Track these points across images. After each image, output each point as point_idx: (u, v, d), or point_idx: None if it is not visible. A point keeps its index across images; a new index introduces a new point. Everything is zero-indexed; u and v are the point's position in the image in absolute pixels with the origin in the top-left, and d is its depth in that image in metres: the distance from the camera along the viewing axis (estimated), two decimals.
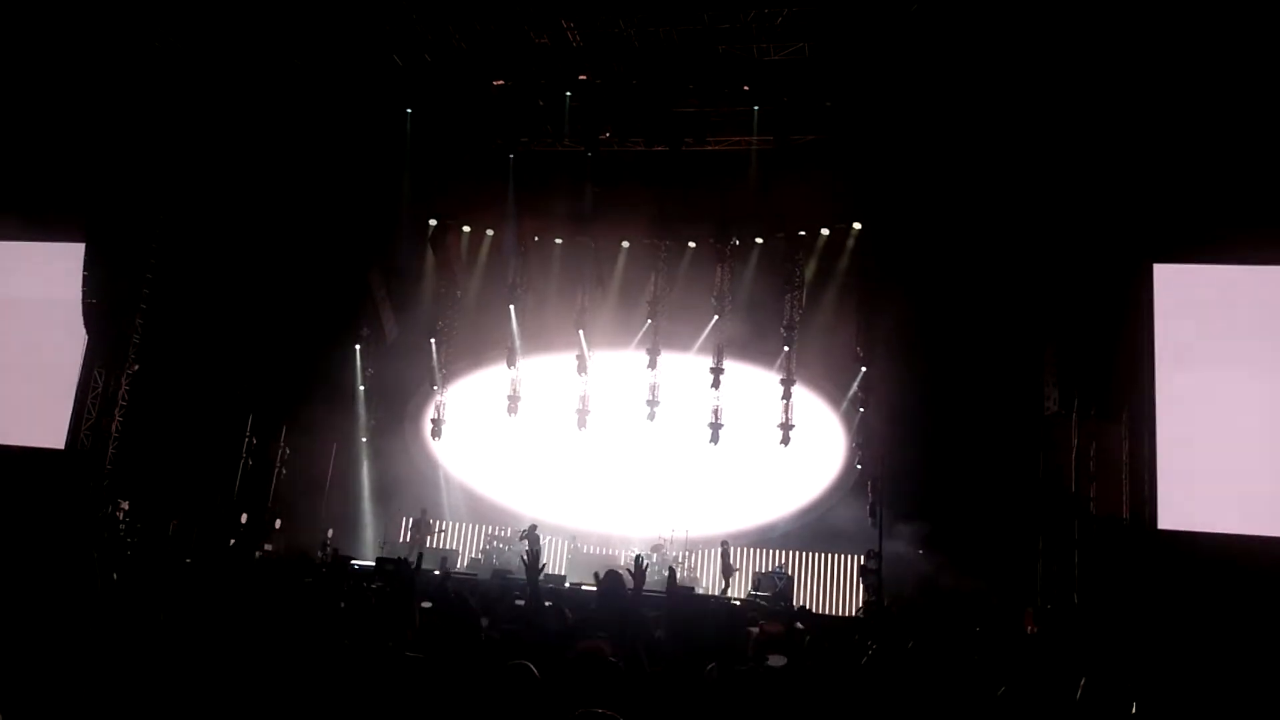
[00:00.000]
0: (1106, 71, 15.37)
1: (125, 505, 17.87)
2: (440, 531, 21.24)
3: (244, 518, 18.88)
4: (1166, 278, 17.48)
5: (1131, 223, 17.02)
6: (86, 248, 18.63)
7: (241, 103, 18.41)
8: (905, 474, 18.30)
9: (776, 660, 5.64)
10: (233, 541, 17.89)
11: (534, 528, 18.97)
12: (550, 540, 20.19)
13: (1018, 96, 16.12)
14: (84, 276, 18.49)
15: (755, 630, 7.67)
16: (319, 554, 18.47)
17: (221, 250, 19.45)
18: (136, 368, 18.72)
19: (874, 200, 18.78)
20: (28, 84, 17.73)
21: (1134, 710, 4.69)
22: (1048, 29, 14.80)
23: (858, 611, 18.18)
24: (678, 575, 18.81)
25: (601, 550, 20.00)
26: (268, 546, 18.57)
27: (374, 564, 15.83)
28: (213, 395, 19.37)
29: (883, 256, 19.14)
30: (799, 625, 9.81)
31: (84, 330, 18.71)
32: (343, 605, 5.47)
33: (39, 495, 17.30)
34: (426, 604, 5.13)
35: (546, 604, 5.96)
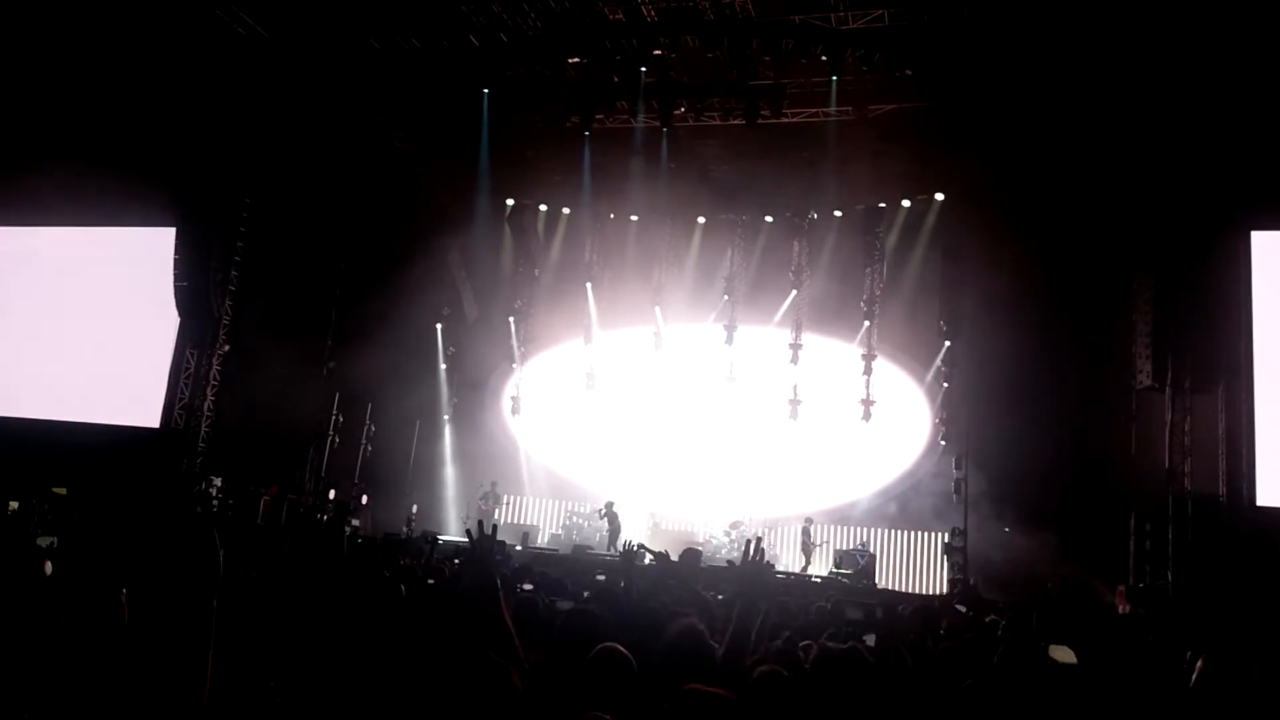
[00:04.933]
0: (1200, 35, 14.74)
1: (218, 482, 18.37)
2: (506, 504, 21.46)
3: (332, 494, 19.29)
4: (1265, 245, 16.80)
5: (1228, 188, 16.35)
6: (177, 232, 19.09)
7: (324, 87, 18.69)
8: (991, 450, 17.96)
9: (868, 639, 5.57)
10: (322, 517, 18.29)
11: (611, 504, 19.06)
12: (629, 517, 20.25)
13: (1108, 58, 15.57)
14: (175, 260, 18.96)
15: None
16: (404, 529, 18.85)
17: (307, 232, 19.83)
18: (227, 348, 19.20)
19: (957, 170, 18.36)
20: (118, 72, 18.18)
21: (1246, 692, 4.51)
22: None
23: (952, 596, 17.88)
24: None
25: (682, 528, 19.99)
26: (355, 522, 18.95)
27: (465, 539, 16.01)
28: (300, 374, 19.80)
29: (967, 227, 18.71)
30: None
31: (176, 312, 19.21)
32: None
33: (137, 473, 17.86)
34: (528, 586, 5.14)
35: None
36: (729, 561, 13.85)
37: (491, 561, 3.96)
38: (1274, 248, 16.80)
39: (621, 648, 3.49)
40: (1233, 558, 15.42)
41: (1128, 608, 14.92)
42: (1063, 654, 6.58)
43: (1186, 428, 16.62)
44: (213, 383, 19.09)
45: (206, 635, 1.81)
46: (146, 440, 19.06)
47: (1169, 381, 16.70)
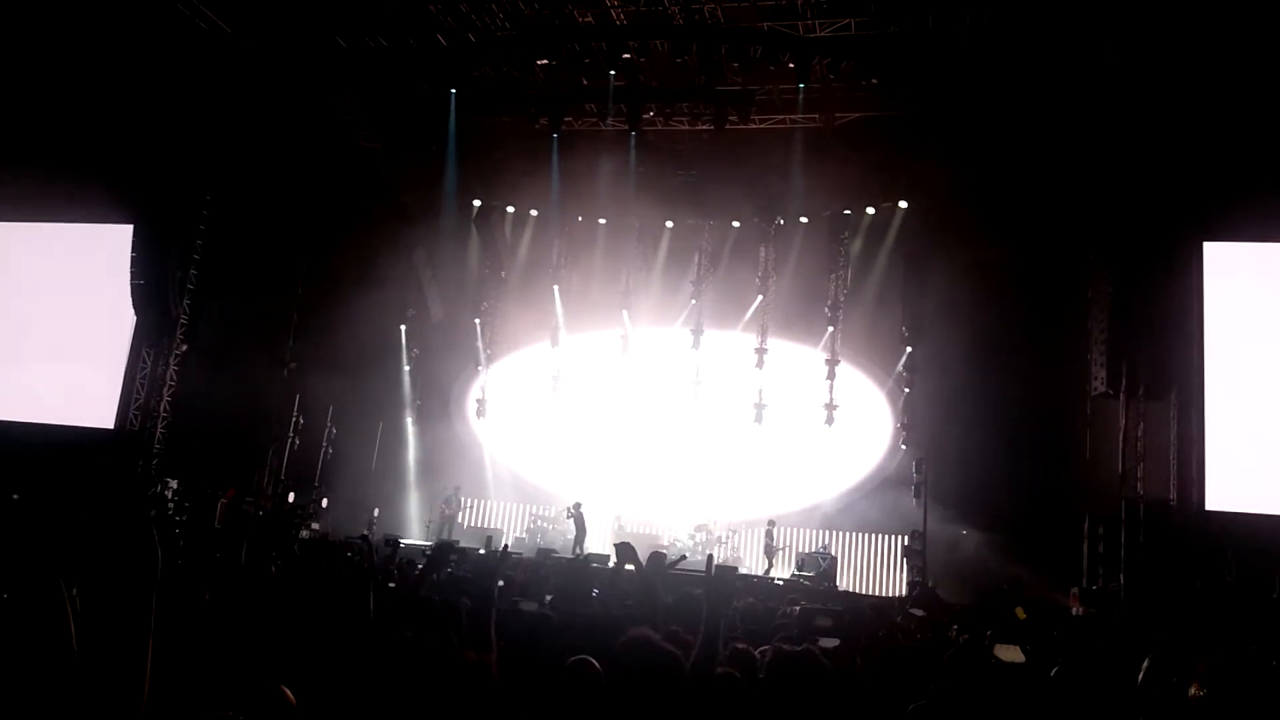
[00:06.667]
0: (1157, 47, 15.08)
1: (174, 484, 18.08)
2: (470, 508, 21.39)
3: (291, 497, 19.08)
4: (1216, 256, 17.25)
5: (1182, 200, 16.77)
6: (135, 229, 18.78)
7: (287, 85, 18.50)
8: (950, 454, 18.20)
9: (829, 643, 5.62)
10: (280, 521, 18.06)
11: (579, 505, 19.04)
12: (595, 520, 20.24)
13: (1067, 71, 15.87)
14: (132, 258, 18.63)
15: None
16: (365, 533, 18.66)
17: (268, 230, 19.60)
18: (184, 348, 18.91)
19: (920, 178, 18.57)
20: (77, 67, 17.88)
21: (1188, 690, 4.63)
22: (1097, 4, 14.57)
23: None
24: (720, 556, 18.86)
25: (647, 530, 20.02)
26: (315, 526, 18.74)
27: (433, 546, 15.85)
28: (260, 375, 19.57)
29: (929, 235, 18.96)
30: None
31: (132, 311, 18.90)
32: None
33: (89, 475, 17.53)
34: (532, 605, 5.10)
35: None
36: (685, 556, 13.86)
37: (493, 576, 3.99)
38: (1224, 259, 17.26)
39: (593, 661, 3.51)
40: (1183, 560, 15.80)
41: (1081, 609, 15.26)
42: (1010, 654, 6.71)
43: (1139, 433, 17.01)
44: (169, 383, 18.80)
45: (145, 633, 1.81)
46: (100, 442, 18.73)
47: (1123, 388, 17.07)
